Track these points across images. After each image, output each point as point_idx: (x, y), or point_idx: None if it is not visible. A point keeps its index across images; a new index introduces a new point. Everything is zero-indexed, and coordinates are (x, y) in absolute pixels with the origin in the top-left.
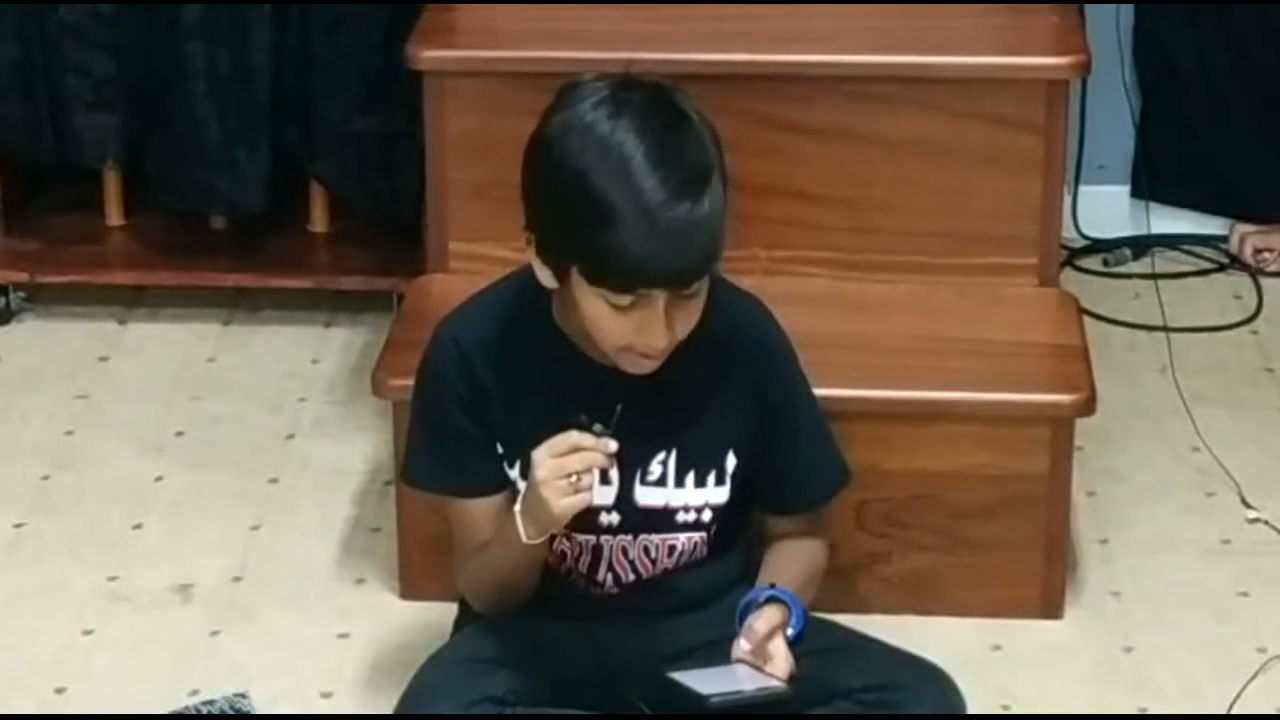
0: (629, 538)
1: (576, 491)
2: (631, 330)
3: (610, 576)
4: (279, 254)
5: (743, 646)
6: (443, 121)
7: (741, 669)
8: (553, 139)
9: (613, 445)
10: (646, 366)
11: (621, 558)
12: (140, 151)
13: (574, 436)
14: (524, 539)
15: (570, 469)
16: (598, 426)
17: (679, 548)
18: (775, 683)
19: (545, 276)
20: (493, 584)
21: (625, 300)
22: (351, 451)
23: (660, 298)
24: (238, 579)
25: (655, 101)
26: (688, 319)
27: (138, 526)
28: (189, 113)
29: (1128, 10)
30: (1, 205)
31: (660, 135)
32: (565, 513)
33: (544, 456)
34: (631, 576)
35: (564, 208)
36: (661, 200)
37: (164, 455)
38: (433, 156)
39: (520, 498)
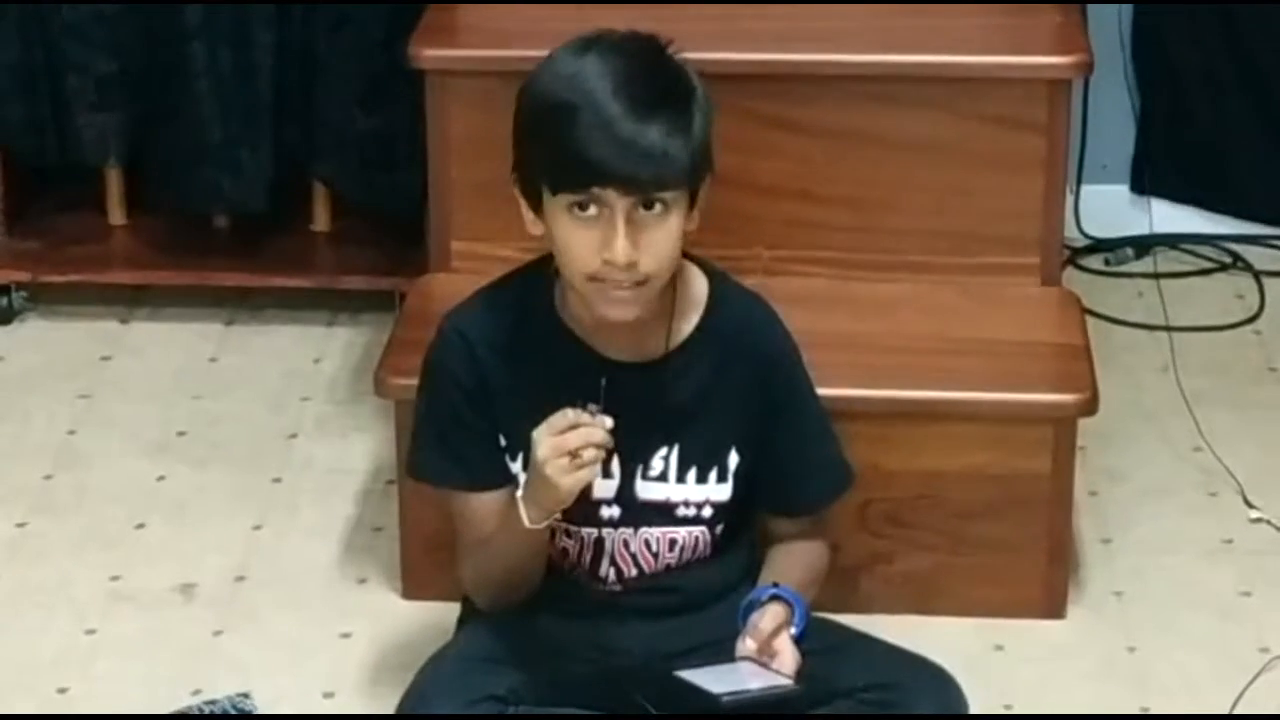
0: (630, 531)
1: (579, 469)
2: (596, 249)
3: (613, 571)
4: (281, 253)
5: (748, 645)
6: (445, 121)
7: (747, 667)
8: (529, 77)
9: (609, 421)
10: (621, 301)
11: (623, 551)
12: (142, 151)
13: (570, 414)
14: (526, 523)
15: (570, 445)
16: (592, 406)
17: (680, 541)
18: (783, 680)
19: (529, 220)
20: (496, 577)
21: (584, 201)
22: (354, 451)
23: (619, 206)
24: (240, 579)
25: (630, 40)
26: (654, 247)
27: (140, 526)
28: (191, 112)
29: (1129, 10)
30: (4, 205)
31: (627, 60)
32: (569, 490)
33: (543, 435)
34: (634, 571)
35: (527, 124)
36: (617, 105)
37: (166, 455)
38: (435, 156)
39: (523, 483)
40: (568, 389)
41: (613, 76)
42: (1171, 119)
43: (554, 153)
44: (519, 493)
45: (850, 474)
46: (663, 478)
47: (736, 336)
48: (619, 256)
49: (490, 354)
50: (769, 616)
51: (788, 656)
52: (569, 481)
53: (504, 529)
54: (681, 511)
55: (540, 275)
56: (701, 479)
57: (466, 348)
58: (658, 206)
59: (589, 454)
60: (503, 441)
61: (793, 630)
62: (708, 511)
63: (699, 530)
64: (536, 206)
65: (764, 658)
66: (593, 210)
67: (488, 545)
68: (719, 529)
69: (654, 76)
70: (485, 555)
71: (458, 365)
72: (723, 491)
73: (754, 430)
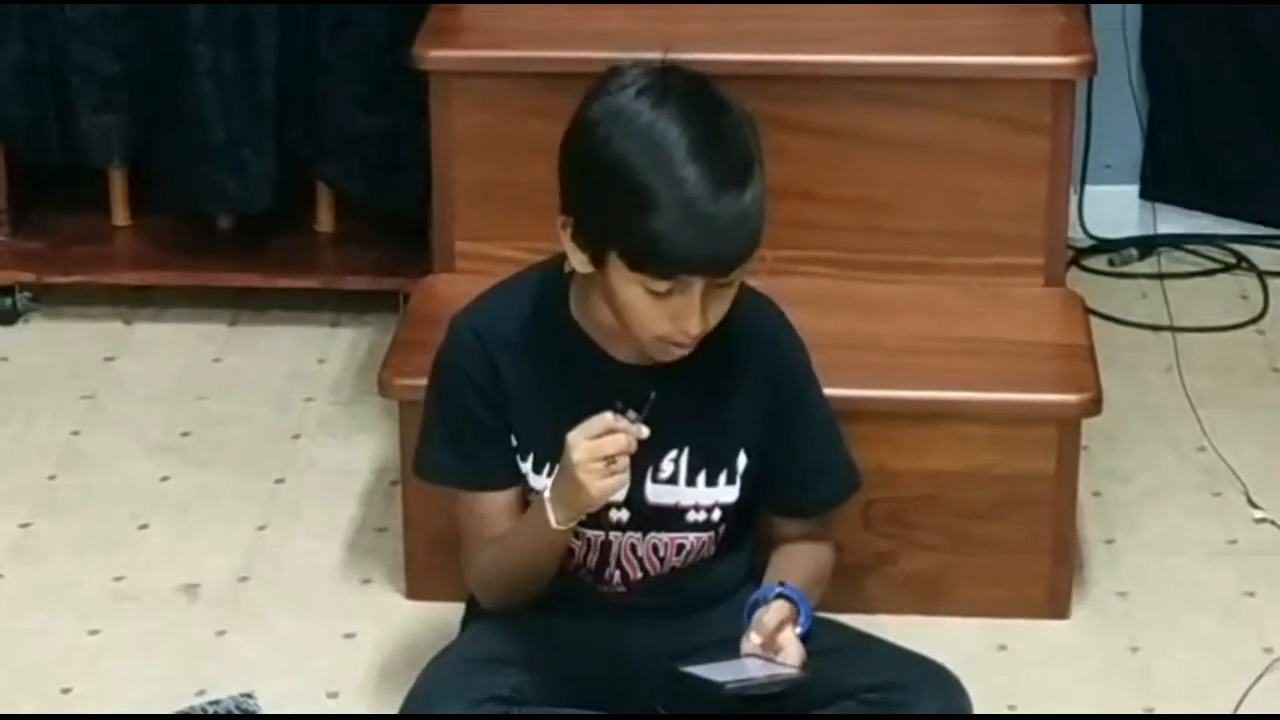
0: (638, 535)
1: (612, 474)
2: (667, 317)
3: (618, 574)
4: (285, 254)
5: (753, 640)
6: (449, 121)
7: (752, 662)
8: (594, 124)
9: (645, 432)
10: (676, 354)
11: (630, 555)
12: (146, 151)
13: (609, 419)
14: (553, 524)
15: (606, 451)
16: (631, 414)
17: (687, 547)
18: (788, 670)
19: (579, 261)
20: (506, 578)
21: (664, 287)
22: (357, 452)
23: (698, 285)
24: (244, 579)
25: (697, 91)
26: (721, 307)
27: (144, 526)
28: (195, 113)
29: (1134, 10)
30: (8, 205)
31: (703, 126)
32: (602, 495)
33: (579, 439)
34: (639, 574)
35: (606, 193)
36: (705, 189)
37: (170, 455)
38: (439, 156)
39: (551, 483)
40: (580, 389)
41: (694, 153)
42: (1176, 119)
43: (639, 240)
44: (546, 494)
45: (857, 477)
46: (673, 480)
47: (746, 338)
48: (694, 331)
49: (503, 352)
50: (773, 612)
51: (793, 650)
52: (601, 487)
53: (525, 530)
54: (692, 516)
55: (552, 275)
56: (711, 481)
57: (480, 345)
58: (732, 275)
59: (623, 461)
60: (513, 441)
61: (797, 628)
62: (716, 515)
63: (707, 535)
64: (596, 258)
65: (769, 653)
66: (669, 286)
67: (502, 546)
68: (723, 528)
69: (729, 141)
70: (497, 555)
71: (471, 363)
72: (730, 494)
73: (762, 431)
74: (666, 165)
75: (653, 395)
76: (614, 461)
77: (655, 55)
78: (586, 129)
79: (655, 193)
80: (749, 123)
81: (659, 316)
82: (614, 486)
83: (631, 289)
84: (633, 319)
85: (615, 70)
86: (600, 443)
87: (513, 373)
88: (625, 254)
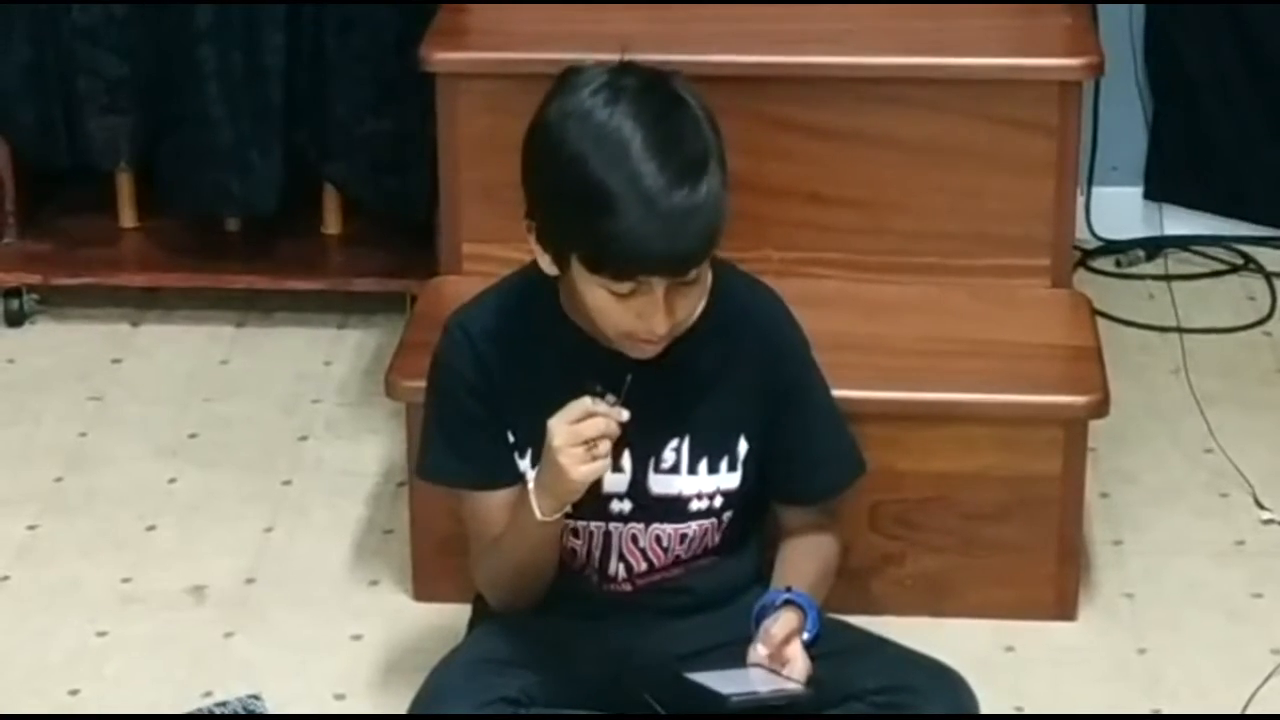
0: (640, 526)
1: (594, 459)
2: (633, 317)
3: (622, 567)
4: (292, 256)
5: (759, 651)
6: (456, 123)
7: (757, 672)
8: (550, 126)
9: (624, 414)
10: (649, 351)
11: (632, 546)
12: (153, 154)
13: (587, 402)
14: (538, 516)
15: (586, 435)
16: (610, 397)
17: (690, 535)
18: (793, 685)
19: (546, 263)
20: (508, 575)
21: (625, 288)
22: (364, 453)
23: (660, 285)
24: (251, 580)
25: (653, 87)
26: (688, 305)
27: (151, 528)
28: (202, 115)
29: (1140, 11)
30: (15, 207)
31: (657, 121)
32: (583, 480)
33: (559, 424)
34: (643, 565)
35: (562, 195)
36: (659, 186)
37: (177, 457)
38: (446, 158)
39: (535, 473)
40: (574, 384)
41: (648, 150)
42: (1182, 121)
43: (595, 241)
44: (530, 485)
45: (861, 462)
46: (674, 469)
47: (742, 325)
48: (660, 330)
49: (494, 350)
50: (781, 623)
51: (799, 664)
52: (583, 471)
53: (515, 525)
54: (695, 505)
55: (544, 272)
56: (713, 469)
57: (470, 344)
58: (695, 273)
59: (604, 446)
60: (511, 438)
61: (805, 635)
62: (719, 502)
63: (709, 523)
64: (559, 260)
65: (775, 664)
66: (631, 286)
67: (499, 543)
68: (726, 516)
69: (684, 136)
70: (497, 554)
71: (462, 362)
72: (732, 480)
73: (762, 417)
74: (620, 164)
75: (629, 378)
76: (595, 445)
77: (632, 59)
78: (542, 132)
79: (610, 192)
80: (708, 118)
81: (625, 316)
82: (596, 471)
83: (595, 291)
84: (600, 319)
85: (572, 70)
86: (580, 427)
87: (505, 370)
88: (584, 257)
